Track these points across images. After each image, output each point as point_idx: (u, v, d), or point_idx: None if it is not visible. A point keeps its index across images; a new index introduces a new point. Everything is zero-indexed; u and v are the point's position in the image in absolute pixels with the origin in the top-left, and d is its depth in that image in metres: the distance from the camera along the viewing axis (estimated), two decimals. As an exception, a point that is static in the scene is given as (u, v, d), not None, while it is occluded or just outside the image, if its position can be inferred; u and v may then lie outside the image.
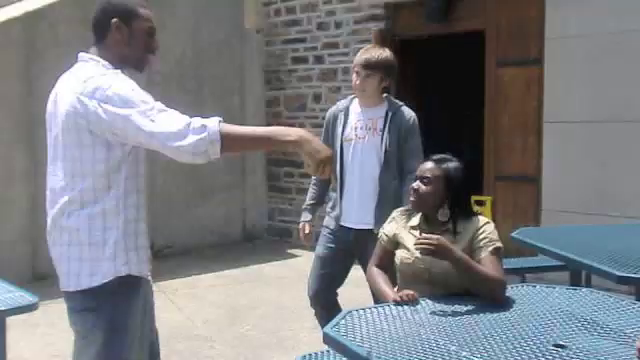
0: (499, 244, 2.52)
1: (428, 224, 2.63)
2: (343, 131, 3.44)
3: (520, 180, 5.83)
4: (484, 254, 2.48)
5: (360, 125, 3.43)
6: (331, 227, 3.52)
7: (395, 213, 2.78)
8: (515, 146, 5.87)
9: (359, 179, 3.42)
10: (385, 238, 2.74)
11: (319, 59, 7.23)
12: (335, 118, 3.51)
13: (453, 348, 1.97)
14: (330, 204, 3.56)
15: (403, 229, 2.68)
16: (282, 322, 4.80)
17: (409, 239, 2.63)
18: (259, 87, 7.77)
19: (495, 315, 2.28)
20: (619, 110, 5.14)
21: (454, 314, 2.30)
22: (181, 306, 5.09)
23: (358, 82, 3.40)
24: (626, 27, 5.06)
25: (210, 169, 6.59)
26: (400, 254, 2.65)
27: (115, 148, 2.09)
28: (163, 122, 2.01)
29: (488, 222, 2.57)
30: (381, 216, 3.27)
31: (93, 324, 2.12)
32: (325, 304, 3.55)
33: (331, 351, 2.57)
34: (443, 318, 2.25)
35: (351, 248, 3.47)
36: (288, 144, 2.06)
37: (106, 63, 2.15)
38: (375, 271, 2.74)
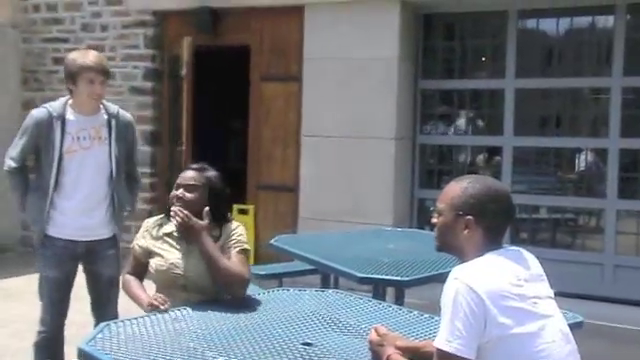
0: (247, 246, 2.72)
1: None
2: (62, 141, 3.15)
3: (280, 189, 6.20)
4: (232, 253, 2.65)
5: (83, 134, 3.20)
6: (59, 244, 3.23)
7: (146, 224, 2.80)
8: (276, 157, 6.22)
9: (89, 190, 3.23)
10: (138, 250, 2.77)
11: (82, 61, 6.94)
12: (49, 125, 3.15)
13: (211, 354, 2.06)
14: (50, 219, 3.23)
15: (156, 239, 2.73)
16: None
17: (163, 246, 2.70)
18: (15, 87, 7.23)
19: (250, 319, 2.43)
20: (362, 127, 5.73)
21: (212, 321, 2.40)
22: None
23: (98, 89, 3.15)
24: (369, 54, 5.67)
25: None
26: (154, 262, 2.69)
27: None
28: None
29: (239, 225, 2.75)
30: (114, 223, 3.31)
31: None
32: (61, 337, 3.34)
33: None
34: (202, 325, 2.34)
35: (79, 262, 3.33)
36: None
37: None
38: (128, 277, 2.79)
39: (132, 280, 2.78)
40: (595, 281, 5.46)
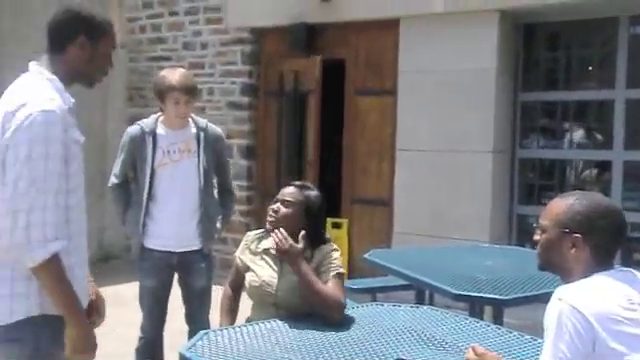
0: (342, 270, 2.68)
1: None
2: (154, 155, 3.29)
3: (375, 204, 6.17)
4: (327, 277, 2.61)
5: (173, 148, 3.31)
6: (155, 255, 3.35)
7: (247, 238, 2.85)
8: (370, 171, 6.21)
9: (180, 202, 3.32)
10: (239, 263, 2.82)
11: (184, 78, 7.22)
12: (142, 140, 3.30)
13: None
14: (146, 231, 3.35)
15: (254, 254, 2.76)
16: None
17: (259, 263, 2.72)
18: (121, 104, 7.61)
19: (345, 333, 2.43)
20: (458, 141, 5.61)
21: (306, 334, 2.40)
22: None
23: (183, 109, 3.26)
24: (466, 66, 5.56)
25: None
26: (249, 277, 2.72)
27: None
28: (25, 198, 1.85)
29: (336, 249, 2.71)
30: (206, 236, 3.37)
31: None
32: (160, 342, 3.48)
33: None
34: (297, 338, 2.36)
35: (174, 272, 3.43)
36: (69, 325, 1.95)
37: (54, 79, 1.99)
38: (226, 292, 2.89)
39: (226, 300, 2.87)
40: None
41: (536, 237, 1.94)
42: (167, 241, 3.34)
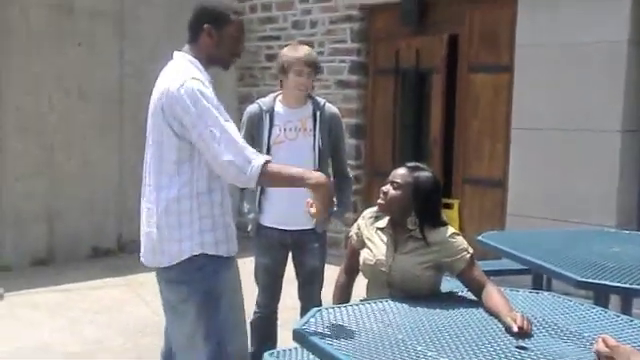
0: (471, 250, 2.59)
1: (395, 228, 2.66)
2: (270, 133, 3.32)
3: (487, 184, 5.96)
4: (464, 265, 2.54)
5: (289, 126, 3.34)
6: (270, 233, 3.40)
7: (364, 213, 2.83)
8: (484, 151, 5.99)
9: None
10: (355, 237, 2.80)
11: (293, 57, 7.25)
12: (260, 119, 3.36)
13: (420, 348, 2.03)
14: (262, 208, 3.40)
15: (370, 229, 2.74)
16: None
17: (375, 239, 2.70)
18: (232, 83, 7.77)
19: (460, 316, 2.35)
20: (581, 119, 5.28)
21: (419, 315, 2.35)
22: (148, 300, 5.05)
23: (303, 80, 3.28)
24: (592, 38, 5.20)
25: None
26: (364, 254, 2.71)
27: (185, 138, 2.30)
28: (224, 143, 2.24)
29: (456, 232, 2.62)
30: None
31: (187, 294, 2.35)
32: (274, 318, 3.53)
33: (299, 348, 2.60)
34: (410, 319, 2.31)
35: (289, 251, 3.45)
36: (308, 185, 2.30)
37: (195, 61, 2.40)
38: (339, 281, 2.87)
39: (339, 289, 2.86)
40: None
41: None
42: (281, 219, 3.36)
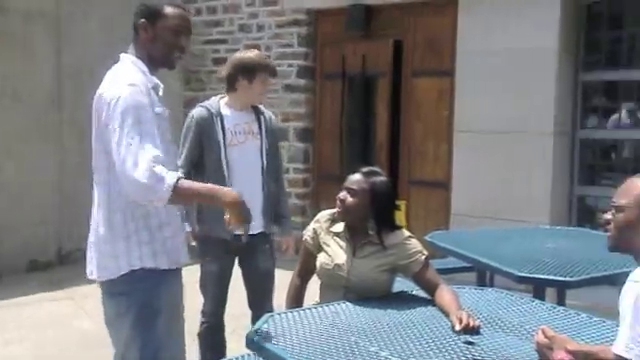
0: (426, 252, 2.68)
1: (352, 233, 2.69)
2: (224, 136, 3.30)
3: (432, 186, 6.16)
4: (419, 267, 2.62)
5: (238, 129, 3.34)
6: (222, 236, 3.24)
7: (319, 216, 2.81)
8: (428, 153, 6.18)
9: (243, 184, 3.20)
10: (310, 241, 2.81)
11: (240, 61, 7.28)
12: (211, 123, 3.30)
13: (373, 349, 2.08)
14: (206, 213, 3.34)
15: (327, 234, 2.76)
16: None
17: (331, 244, 2.72)
18: (178, 87, 7.73)
19: (412, 316, 2.44)
20: (517, 122, 5.53)
21: (372, 316, 2.41)
22: (92, 314, 4.60)
23: (265, 89, 3.39)
24: (526, 45, 5.46)
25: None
26: (321, 259, 2.73)
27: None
28: (135, 157, 2.14)
29: (411, 236, 2.70)
30: (268, 219, 3.38)
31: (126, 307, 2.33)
32: (222, 326, 3.48)
33: (252, 355, 2.53)
34: (362, 320, 2.37)
35: (237, 256, 3.43)
36: (224, 204, 2.26)
37: (138, 61, 2.35)
38: (295, 286, 2.87)
39: (293, 290, 2.86)
40: None
41: (608, 216, 1.90)
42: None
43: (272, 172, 3.44)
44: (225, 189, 2.40)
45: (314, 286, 2.85)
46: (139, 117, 2.19)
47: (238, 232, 2.34)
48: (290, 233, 3.58)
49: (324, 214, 2.82)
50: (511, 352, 2.09)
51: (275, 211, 3.48)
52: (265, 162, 3.37)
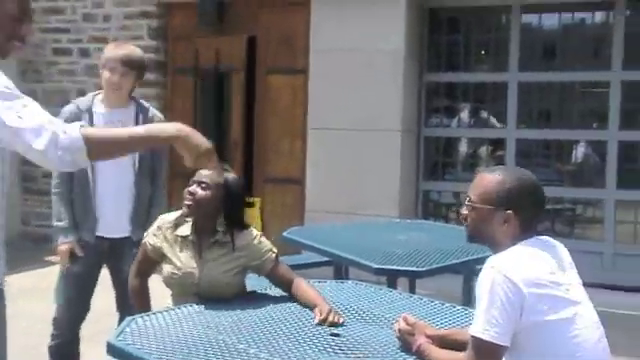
0: (275, 250, 2.67)
1: (198, 235, 2.59)
2: None
3: (286, 182, 6.23)
4: (271, 265, 2.62)
5: (110, 127, 3.13)
6: (85, 239, 3.20)
7: (160, 222, 2.67)
8: (282, 150, 6.24)
9: (115, 187, 3.18)
10: (150, 248, 2.68)
11: (85, 52, 6.93)
12: (77, 119, 3.00)
13: (242, 347, 2.07)
14: (71, 217, 3.21)
15: (170, 241, 2.64)
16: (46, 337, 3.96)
17: (177, 252, 2.61)
18: (13, 79, 7.15)
19: (273, 312, 2.44)
20: (368, 120, 5.76)
21: (235, 315, 2.39)
22: None
23: (115, 79, 3.13)
24: (375, 46, 5.70)
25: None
26: (167, 269, 2.61)
27: None
28: (29, 120, 1.80)
29: (260, 234, 2.67)
30: (138, 223, 3.21)
31: None
32: (77, 340, 3.31)
33: None
34: (228, 318, 2.34)
35: (104, 259, 3.30)
36: (167, 140, 1.91)
37: None
38: (137, 287, 2.78)
39: (136, 298, 2.77)
40: (595, 269, 5.50)
41: (464, 211, 2.03)
42: (101, 226, 3.20)
43: (146, 172, 3.26)
44: (163, 124, 2.02)
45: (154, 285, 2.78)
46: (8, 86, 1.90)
47: (209, 169, 2.03)
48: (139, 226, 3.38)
49: (165, 220, 2.68)
50: (376, 342, 2.17)
51: (149, 213, 3.25)
52: (137, 164, 3.20)
